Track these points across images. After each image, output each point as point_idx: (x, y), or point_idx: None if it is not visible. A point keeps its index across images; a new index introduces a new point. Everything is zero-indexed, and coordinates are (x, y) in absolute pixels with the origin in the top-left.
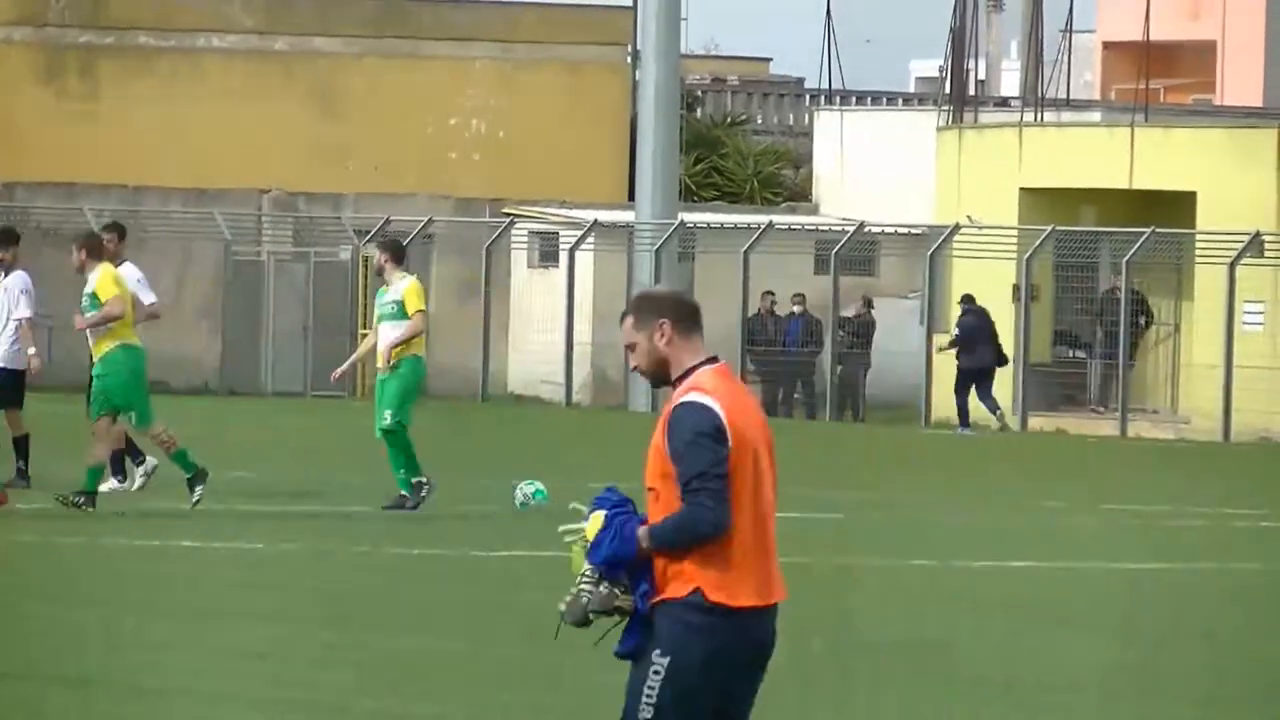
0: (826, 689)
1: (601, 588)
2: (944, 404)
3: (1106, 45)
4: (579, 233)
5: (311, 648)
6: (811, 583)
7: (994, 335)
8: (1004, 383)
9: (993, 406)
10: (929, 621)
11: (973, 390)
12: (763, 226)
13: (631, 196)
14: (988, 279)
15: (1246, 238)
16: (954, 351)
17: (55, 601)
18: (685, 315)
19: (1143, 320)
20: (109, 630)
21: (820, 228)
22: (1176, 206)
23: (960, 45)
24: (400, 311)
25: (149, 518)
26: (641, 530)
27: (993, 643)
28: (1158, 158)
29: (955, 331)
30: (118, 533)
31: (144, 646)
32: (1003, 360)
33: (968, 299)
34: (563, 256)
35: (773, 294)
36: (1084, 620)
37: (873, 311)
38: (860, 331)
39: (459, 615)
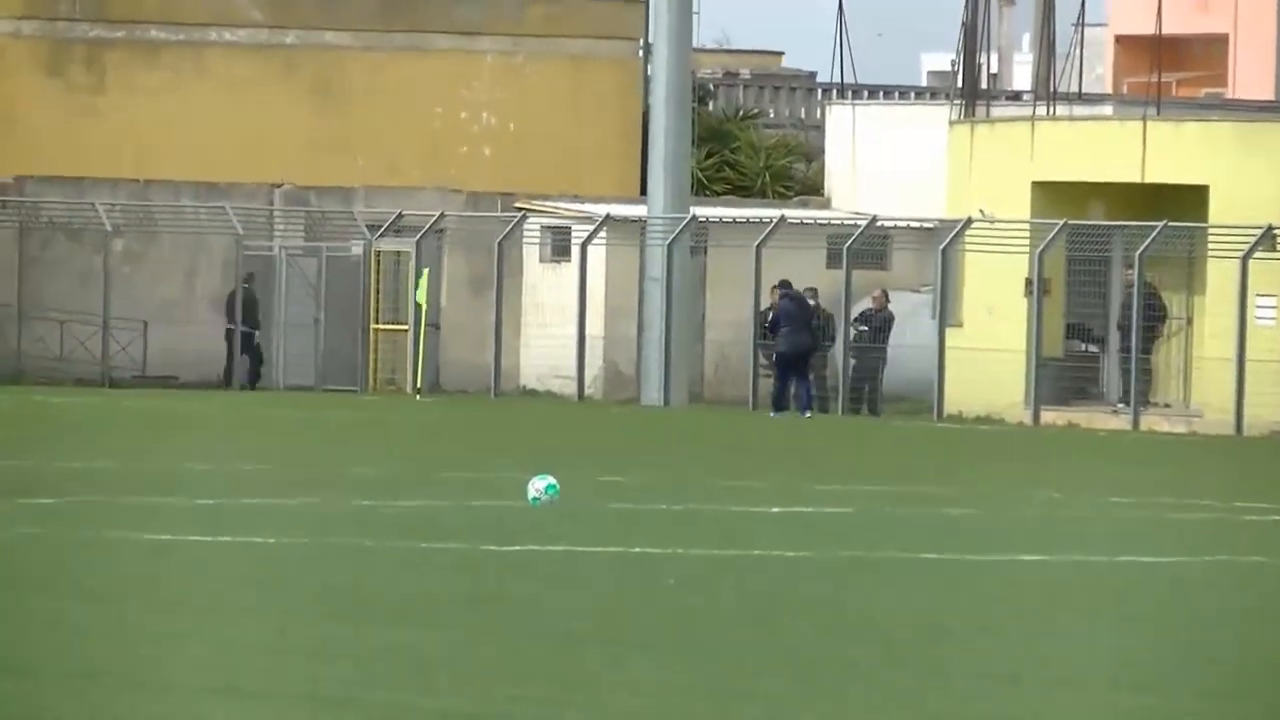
0: (825, 682)
1: None
2: (956, 397)
3: (1118, 39)
4: (591, 227)
5: (314, 640)
6: (816, 575)
7: (810, 321)
8: (1017, 376)
9: (808, 401)
10: (935, 614)
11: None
12: (775, 220)
13: (643, 191)
14: (1000, 272)
15: (1259, 232)
16: (771, 335)
17: (60, 595)
18: None
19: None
20: (112, 624)
21: (832, 222)
22: (1188, 200)
23: (972, 39)
24: None
25: (161, 511)
26: None
27: (999, 635)
28: (1169, 151)
29: (770, 315)
30: (127, 526)
31: (146, 640)
32: (817, 346)
33: (785, 284)
34: (575, 251)
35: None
36: (1091, 613)
37: (890, 306)
38: (881, 326)
39: (464, 609)
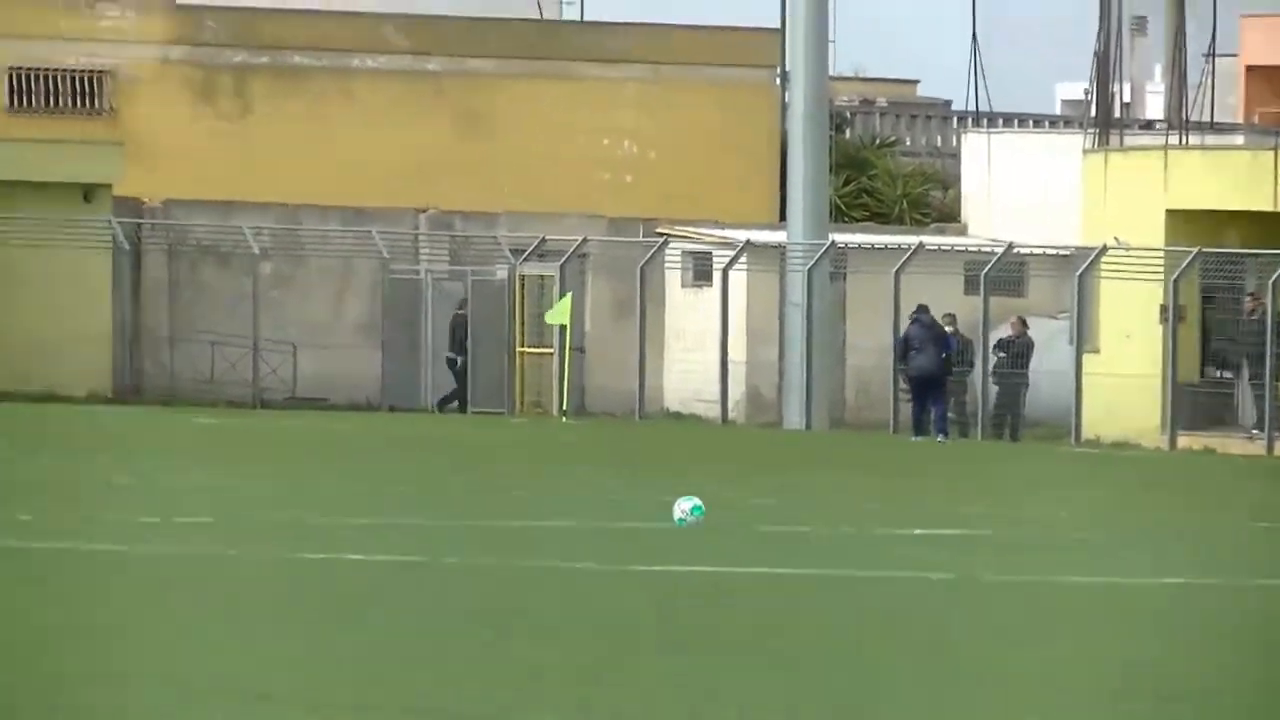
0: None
1: None
2: (1095, 422)
3: (1249, 69)
4: (731, 252)
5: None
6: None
7: (940, 343)
8: (1153, 402)
9: (940, 424)
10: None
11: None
12: (913, 247)
13: (783, 217)
14: (1135, 300)
15: None
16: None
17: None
18: None
19: None
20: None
21: (969, 249)
22: None
23: (1105, 69)
24: None
25: (281, 528)
26: None
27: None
28: None
29: (900, 340)
30: (245, 543)
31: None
32: (947, 369)
33: (919, 308)
34: (716, 276)
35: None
36: (1208, 634)
37: (1029, 333)
38: (1020, 353)
39: (573, 623)
